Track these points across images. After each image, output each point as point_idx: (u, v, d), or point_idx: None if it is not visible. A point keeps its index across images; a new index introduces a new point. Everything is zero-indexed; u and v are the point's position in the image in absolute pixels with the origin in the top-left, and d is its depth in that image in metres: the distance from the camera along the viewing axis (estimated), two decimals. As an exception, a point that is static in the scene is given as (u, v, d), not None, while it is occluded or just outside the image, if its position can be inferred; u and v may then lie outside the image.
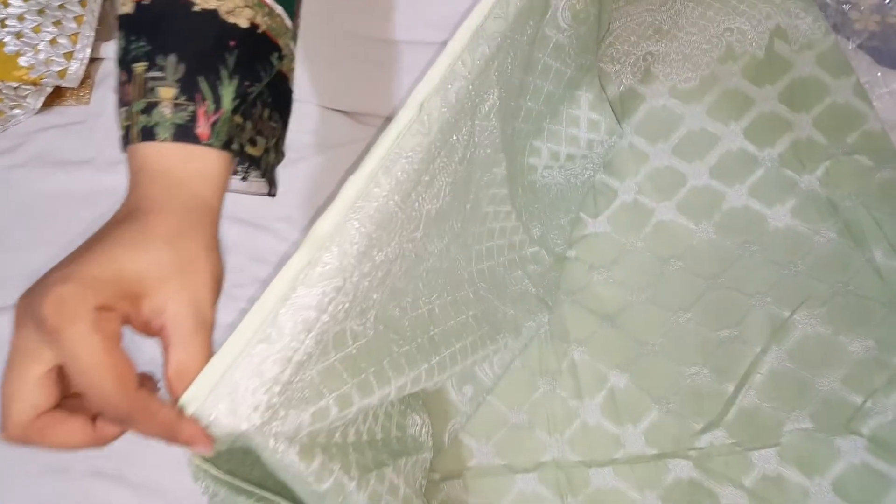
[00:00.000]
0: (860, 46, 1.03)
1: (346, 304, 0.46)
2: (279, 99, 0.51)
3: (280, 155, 0.54)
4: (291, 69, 0.52)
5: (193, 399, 0.40)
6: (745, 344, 0.84)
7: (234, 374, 0.40)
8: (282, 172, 0.93)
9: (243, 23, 0.45)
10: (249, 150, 0.47)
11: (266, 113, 0.49)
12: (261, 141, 0.49)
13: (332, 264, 0.43)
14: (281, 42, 0.49)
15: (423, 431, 0.74)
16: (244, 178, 0.53)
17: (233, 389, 0.40)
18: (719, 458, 0.78)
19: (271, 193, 0.55)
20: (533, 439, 0.83)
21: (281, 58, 0.49)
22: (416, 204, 0.50)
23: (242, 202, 0.60)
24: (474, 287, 0.73)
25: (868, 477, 0.75)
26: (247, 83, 0.46)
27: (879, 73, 1.00)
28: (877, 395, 0.77)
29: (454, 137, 0.53)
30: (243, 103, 0.46)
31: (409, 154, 0.47)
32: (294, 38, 0.52)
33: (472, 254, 0.73)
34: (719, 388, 0.83)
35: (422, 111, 0.48)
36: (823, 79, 0.90)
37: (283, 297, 0.42)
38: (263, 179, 0.53)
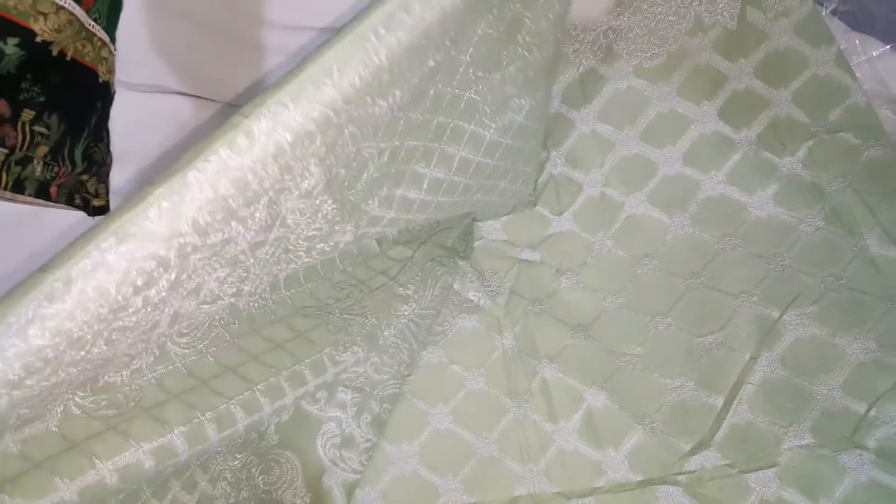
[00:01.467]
0: (833, 12, 0.95)
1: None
2: (71, 97, 0.40)
3: (81, 164, 0.43)
4: (102, 58, 0.42)
5: None
6: (732, 351, 0.76)
7: None
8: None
9: None
10: None
11: (28, 114, 0.38)
12: None
13: None
14: (36, 26, 0.38)
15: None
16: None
17: None
18: (712, 483, 0.70)
19: (88, 212, 0.44)
20: (504, 471, 0.74)
21: (30, 45, 0.38)
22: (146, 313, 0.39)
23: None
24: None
25: (877, 495, 0.67)
26: None
27: (857, 40, 0.91)
28: (881, 401, 0.70)
29: (244, 226, 0.42)
30: None
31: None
32: (104, 19, 0.41)
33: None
34: (707, 402, 0.74)
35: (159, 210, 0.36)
36: (802, 49, 0.81)
37: None
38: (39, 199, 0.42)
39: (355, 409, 0.71)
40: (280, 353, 0.59)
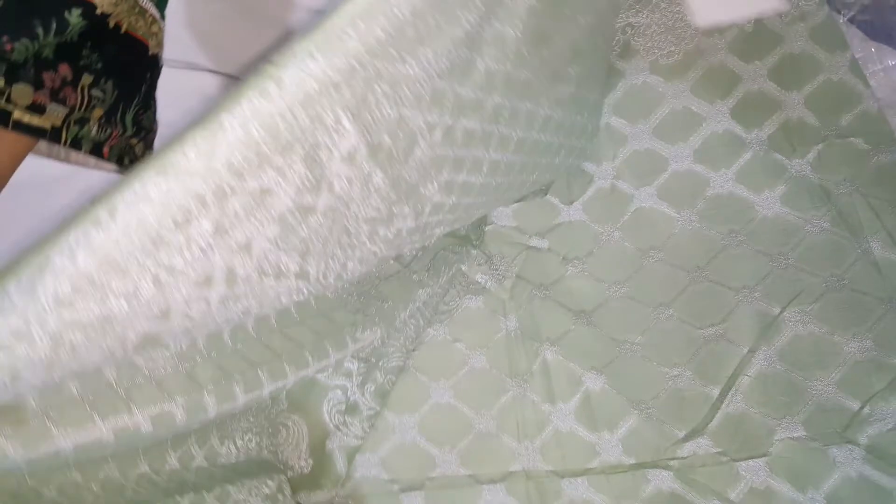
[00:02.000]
0: (851, 20, 0.96)
1: None
2: (124, 66, 0.44)
3: (130, 128, 0.46)
4: (152, 33, 0.45)
5: None
6: (731, 343, 0.77)
7: None
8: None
9: None
10: (26, 118, 0.40)
11: (87, 79, 0.42)
12: (56, 109, 0.41)
13: None
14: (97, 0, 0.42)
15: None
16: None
17: None
18: (703, 469, 0.72)
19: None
20: (501, 447, 0.76)
21: (91, 16, 0.42)
22: None
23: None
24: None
25: (865, 490, 0.68)
26: (5, 38, 0.39)
27: (873, 49, 0.92)
28: (875, 400, 0.71)
29: None
30: (3, 62, 0.39)
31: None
32: None
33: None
34: (703, 391, 0.76)
35: None
36: (816, 54, 0.82)
37: None
38: (92, 155, 0.45)
39: (361, 378, 0.73)
40: (303, 329, 0.62)
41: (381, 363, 0.75)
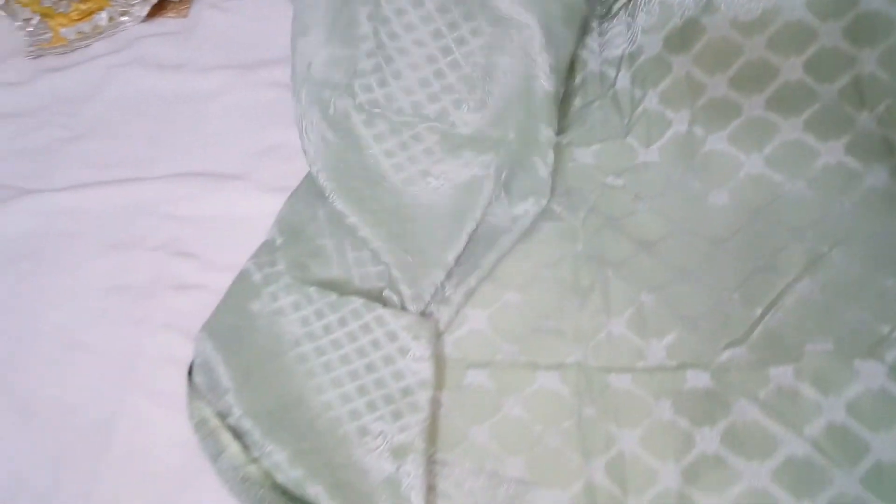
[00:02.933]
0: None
1: None
2: None
3: None
4: None
5: None
6: (778, 274, 0.84)
7: None
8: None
9: None
10: None
11: None
12: None
13: None
14: None
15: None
16: None
17: None
18: (738, 372, 0.79)
19: None
20: (559, 344, 0.86)
21: None
22: None
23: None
24: None
25: (884, 403, 0.74)
26: None
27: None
28: (905, 328, 0.77)
29: None
30: None
31: None
32: None
33: None
34: (748, 313, 0.83)
35: None
36: (892, 14, 0.87)
37: None
38: None
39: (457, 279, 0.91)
40: None
41: (475, 272, 0.90)
